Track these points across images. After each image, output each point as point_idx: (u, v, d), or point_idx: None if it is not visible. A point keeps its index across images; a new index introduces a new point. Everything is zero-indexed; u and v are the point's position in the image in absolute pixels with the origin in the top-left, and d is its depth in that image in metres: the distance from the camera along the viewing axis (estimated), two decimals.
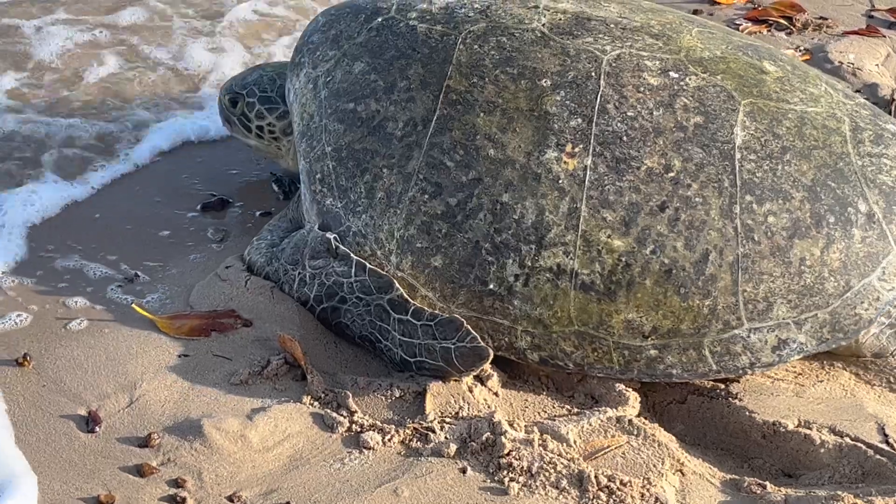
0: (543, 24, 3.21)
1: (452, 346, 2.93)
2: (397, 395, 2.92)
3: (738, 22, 5.29)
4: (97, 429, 2.78)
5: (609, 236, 2.94)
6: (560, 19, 3.23)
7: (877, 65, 4.95)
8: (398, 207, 3.08)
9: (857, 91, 4.57)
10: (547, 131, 3.02)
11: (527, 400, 2.97)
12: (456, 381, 2.91)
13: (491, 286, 2.99)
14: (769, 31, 5.25)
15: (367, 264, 3.06)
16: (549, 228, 2.96)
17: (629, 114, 3.03)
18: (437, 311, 2.98)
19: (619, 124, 3.01)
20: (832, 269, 2.95)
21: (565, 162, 2.99)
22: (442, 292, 3.03)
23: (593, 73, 3.08)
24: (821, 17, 5.38)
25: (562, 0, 3.34)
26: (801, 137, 3.04)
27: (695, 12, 5.26)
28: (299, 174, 3.36)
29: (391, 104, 3.17)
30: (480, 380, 2.94)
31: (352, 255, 3.08)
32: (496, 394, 2.95)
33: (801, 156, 3.01)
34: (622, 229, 2.94)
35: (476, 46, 3.18)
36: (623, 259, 2.93)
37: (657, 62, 3.12)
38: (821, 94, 3.17)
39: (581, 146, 3.00)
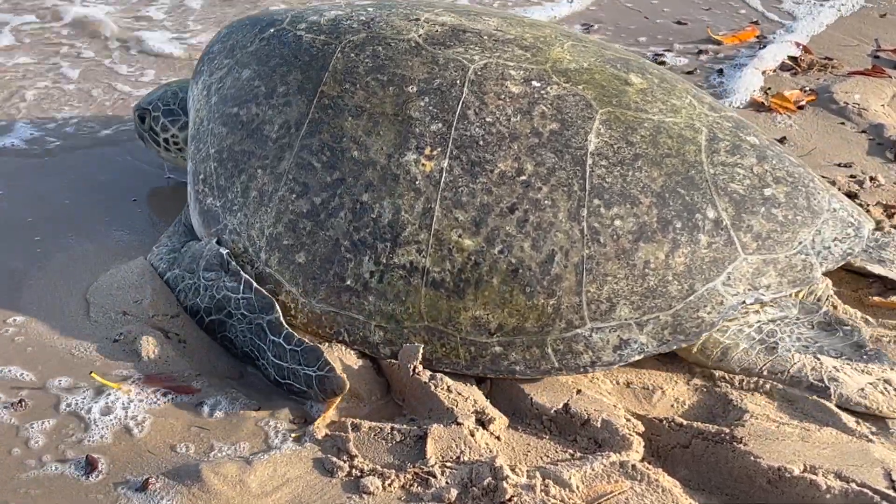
0: (420, 35, 3.34)
1: (314, 374, 3.01)
2: (398, 440, 2.93)
3: (743, 62, 5.36)
4: (95, 474, 2.77)
5: (460, 236, 3.04)
6: (437, 31, 3.35)
7: (882, 105, 4.99)
8: (269, 206, 3.20)
9: (863, 132, 4.65)
10: (408, 135, 3.13)
11: (529, 444, 2.97)
12: (457, 425, 2.90)
13: (348, 282, 3.09)
14: (775, 71, 5.30)
15: (254, 283, 3.16)
16: (404, 227, 3.06)
17: (488, 119, 3.13)
18: (303, 339, 3.06)
19: (477, 129, 3.12)
20: (676, 272, 3.02)
21: (423, 164, 3.10)
22: (304, 288, 3.14)
23: (458, 81, 3.19)
24: (826, 58, 5.43)
25: (444, 14, 3.47)
26: (654, 145, 3.12)
27: (699, 53, 5.38)
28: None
29: (269, 108, 3.31)
30: (482, 424, 2.95)
31: (241, 272, 3.19)
32: (498, 438, 2.95)
33: (652, 163, 3.09)
34: (473, 229, 3.04)
35: (353, 55, 3.31)
36: (472, 258, 3.02)
37: (521, 72, 3.22)
38: (683, 106, 3.26)
39: (439, 149, 3.11)
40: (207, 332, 3.24)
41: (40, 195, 4.10)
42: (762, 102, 4.92)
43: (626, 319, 3.00)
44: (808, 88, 5.11)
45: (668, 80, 3.40)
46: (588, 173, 3.07)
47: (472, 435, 2.90)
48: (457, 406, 2.95)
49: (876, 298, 3.47)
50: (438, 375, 3.02)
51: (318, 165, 3.18)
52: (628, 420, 2.97)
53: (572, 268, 3.00)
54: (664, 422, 2.97)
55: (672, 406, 3.08)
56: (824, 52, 5.53)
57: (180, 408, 3.02)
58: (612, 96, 3.20)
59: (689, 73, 5.27)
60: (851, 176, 4.28)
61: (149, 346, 3.13)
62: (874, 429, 2.97)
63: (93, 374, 3.04)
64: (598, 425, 2.94)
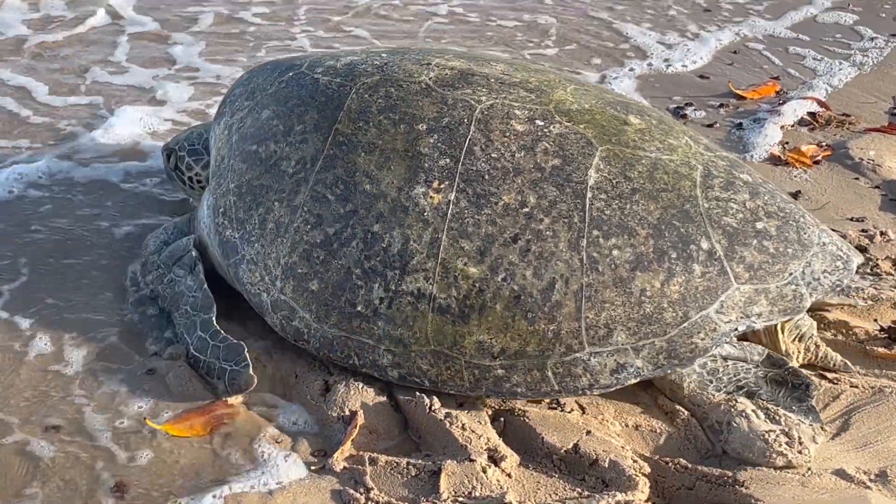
0: (430, 78, 3.53)
1: (228, 368, 3.29)
2: (413, 474, 3.03)
3: (763, 116, 5.44)
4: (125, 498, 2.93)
5: (465, 264, 3.20)
6: (447, 74, 3.55)
7: None
8: (285, 237, 3.38)
9: (876, 187, 4.73)
10: (418, 169, 3.31)
11: (539, 482, 3.05)
12: (470, 461, 3.01)
13: (359, 308, 3.25)
14: (793, 126, 5.37)
15: (205, 286, 3.55)
16: (413, 256, 3.22)
17: (493, 155, 3.31)
18: (229, 337, 3.39)
19: (483, 164, 3.29)
20: (671, 300, 3.16)
21: (431, 196, 3.27)
22: (317, 313, 3.30)
23: (465, 120, 3.38)
24: (844, 114, 5.50)
25: (454, 59, 3.67)
26: (651, 181, 3.28)
27: (720, 107, 5.54)
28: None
29: (287, 145, 3.50)
30: (494, 461, 3.05)
31: (201, 276, 3.58)
32: (509, 475, 3.04)
33: (649, 197, 3.25)
34: (477, 258, 3.19)
35: (367, 95, 3.51)
36: (477, 285, 3.18)
37: (526, 111, 3.40)
38: (679, 145, 3.42)
39: (447, 183, 3.28)
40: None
41: None
42: (779, 156, 5.01)
43: (622, 344, 3.14)
44: (824, 144, 5.18)
45: (665, 122, 3.57)
46: (588, 206, 3.23)
47: (485, 471, 3.01)
48: (470, 443, 3.07)
49: (881, 350, 3.56)
50: (454, 413, 3.16)
51: (332, 198, 3.35)
52: (635, 461, 3.06)
53: (572, 295, 3.15)
54: (670, 464, 3.06)
55: (678, 449, 3.17)
56: (842, 108, 5.61)
57: (202, 437, 3.18)
58: (611, 135, 3.38)
59: (709, 126, 5.37)
60: (863, 230, 4.35)
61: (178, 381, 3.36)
62: (872, 476, 3.04)
63: (147, 421, 3.20)
64: (606, 465, 3.03)
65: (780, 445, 3.06)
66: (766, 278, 3.23)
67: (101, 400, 3.29)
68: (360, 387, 3.28)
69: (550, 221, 3.21)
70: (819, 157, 5.02)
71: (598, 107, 3.49)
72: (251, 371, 3.25)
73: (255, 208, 3.47)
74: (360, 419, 3.17)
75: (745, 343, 3.35)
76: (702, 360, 3.23)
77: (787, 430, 3.10)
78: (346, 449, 3.10)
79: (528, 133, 3.35)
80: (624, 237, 3.20)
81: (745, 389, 3.26)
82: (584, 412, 3.26)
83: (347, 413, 3.20)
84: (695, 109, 5.55)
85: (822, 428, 3.18)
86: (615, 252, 3.18)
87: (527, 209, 3.23)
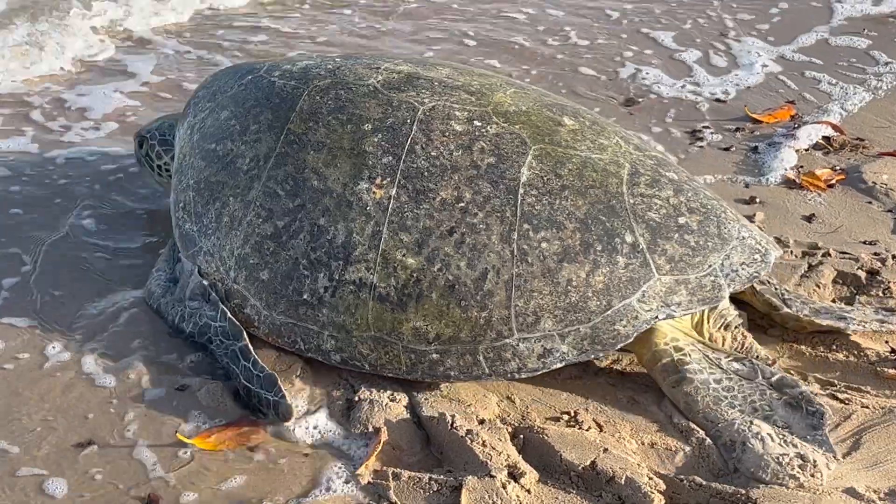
0: (378, 81, 3.75)
1: (271, 399, 3.37)
2: (435, 489, 3.11)
3: (778, 140, 5.52)
4: None
5: (404, 255, 3.41)
6: (394, 77, 3.77)
7: None
8: (238, 230, 3.59)
9: (889, 211, 4.81)
10: (362, 166, 3.52)
11: (557, 498, 3.12)
12: (490, 477, 3.10)
13: (305, 296, 3.47)
14: (808, 150, 5.43)
15: (227, 312, 3.55)
16: (355, 248, 3.44)
17: (433, 153, 3.52)
18: (265, 366, 3.42)
19: (423, 162, 3.51)
20: (596, 290, 3.37)
21: (374, 192, 3.49)
22: (266, 301, 3.51)
23: (408, 120, 3.59)
24: (858, 138, 5.54)
25: (403, 64, 3.88)
26: (580, 178, 3.49)
27: (736, 130, 5.64)
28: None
29: (242, 144, 3.72)
30: (514, 477, 3.12)
31: (219, 303, 3.57)
32: (528, 491, 3.11)
33: (577, 193, 3.47)
34: (415, 249, 3.41)
35: (318, 97, 3.73)
36: (414, 275, 3.39)
37: (465, 113, 3.62)
38: (609, 145, 3.63)
39: (389, 179, 3.49)
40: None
41: None
42: (794, 180, 5.08)
43: (549, 331, 3.35)
44: (838, 168, 5.17)
45: (598, 123, 3.78)
46: (519, 201, 3.44)
47: (504, 487, 3.09)
48: (491, 460, 3.16)
49: (892, 371, 3.67)
50: (475, 430, 3.26)
51: (283, 193, 3.57)
52: (651, 479, 3.15)
53: (503, 284, 3.36)
54: (685, 481, 3.14)
55: (693, 467, 3.26)
56: (857, 132, 5.64)
57: (231, 452, 3.28)
58: (545, 135, 3.59)
59: (725, 149, 5.41)
60: (875, 253, 4.39)
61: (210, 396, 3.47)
62: (882, 495, 3.12)
63: (178, 436, 3.29)
64: (623, 482, 3.11)
65: (794, 469, 3.14)
66: (686, 270, 3.44)
67: (135, 415, 3.38)
68: (384, 404, 3.39)
69: (484, 216, 3.42)
70: (833, 181, 5.07)
71: (534, 109, 3.70)
72: (288, 401, 3.31)
73: (211, 203, 3.69)
74: (384, 435, 3.28)
75: (756, 361, 3.52)
76: (700, 368, 3.44)
77: (801, 453, 3.18)
78: (371, 464, 3.20)
79: (466, 133, 3.56)
80: (552, 231, 3.41)
81: (760, 412, 3.36)
82: (601, 430, 3.36)
83: (371, 429, 3.32)
84: (712, 133, 5.63)
85: (834, 458, 3.23)
86: (544, 244, 3.39)
87: (462, 204, 3.44)
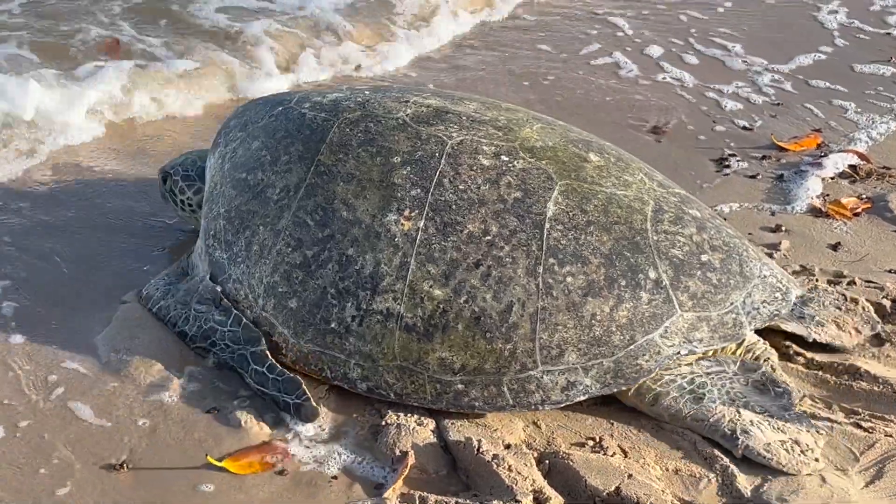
0: (407, 115, 3.82)
1: (291, 402, 3.47)
2: None
3: (804, 169, 5.52)
4: None
5: (431, 286, 3.47)
6: (423, 111, 3.84)
7: None
8: (267, 258, 3.66)
9: None
10: (391, 198, 3.59)
11: None
12: (516, 502, 3.16)
13: (332, 325, 3.53)
14: (833, 178, 5.43)
15: (244, 318, 3.64)
16: (383, 278, 3.50)
17: (460, 187, 3.59)
18: (284, 370, 3.53)
19: (451, 195, 3.58)
20: (619, 324, 3.43)
21: (402, 224, 3.55)
22: (294, 329, 3.58)
23: (437, 154, 3.66)
24: (885, 167, 5.54)
25: (431, 97, 3.96)
26: (605, 214, 3.56)
27: (763, 158, 5.64)
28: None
29: (273, 174, 3.79)
30: (539, 502, 3.18)
31: (233, 308, 3.68)
32: None
33: (602, 229, 3.53)
34: (442, 281, 3.47)
35: (348, 129, 3.80)
36: (441, 306, 3.45)
37: (493, 147, 3.69)
38: (634, 182, 3.70)
39: (417, 211, 3.56)
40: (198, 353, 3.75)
41: None
42: (820, 208, 5.09)
43: (573, 364, 3.41)
44: (864, 196, 5.16)
45: (623, 159, 3.85)
46: (545, 236, 3.50)
47: None
48: (516, 485, 3.21)
49: None
50: (501, 455, 3.30)
51: (312, 223, 3.64)
52: None
53: (528, 317, 3.42)
54: None
55: (717, 493, 3.30)
56: (883, 160, 5.64)
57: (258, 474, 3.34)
58: (571, 171, 3.66)
59: (751, 177, 5.43)
60: None
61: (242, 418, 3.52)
62: None
63: (209, 458, 3.33)
64: None
65: (798, 454, 3.31)
66: (708, 307, 3.50)
67: (165, 436, 3.44)
68: (411, 428, 3.43)
69: (510, 249, 3.49)
70: (859, 210, 5.08)
71: (560, 144, 3.77)
72: (313, 403, 3.43)
73: (241, 231, 3.76)
74: (411, 459, 3.32)
75: (719, 356, 3.61)
76: (671, 377, 3.51)
77: (795, 439, 3.36)
78: (399, 487, 3.25)
79: (493, 167, 3.63)
80: (577, 265, 3.47)
81: (737, 402, 3.49)
82: (626, 456, 3.40)
83: (399, 453, 3.36)
84: (738, 160, 5.64)
85: (818, 431, 3.41)
86: (569, 279, 3.45)
87: (489, 237, 3.50)
